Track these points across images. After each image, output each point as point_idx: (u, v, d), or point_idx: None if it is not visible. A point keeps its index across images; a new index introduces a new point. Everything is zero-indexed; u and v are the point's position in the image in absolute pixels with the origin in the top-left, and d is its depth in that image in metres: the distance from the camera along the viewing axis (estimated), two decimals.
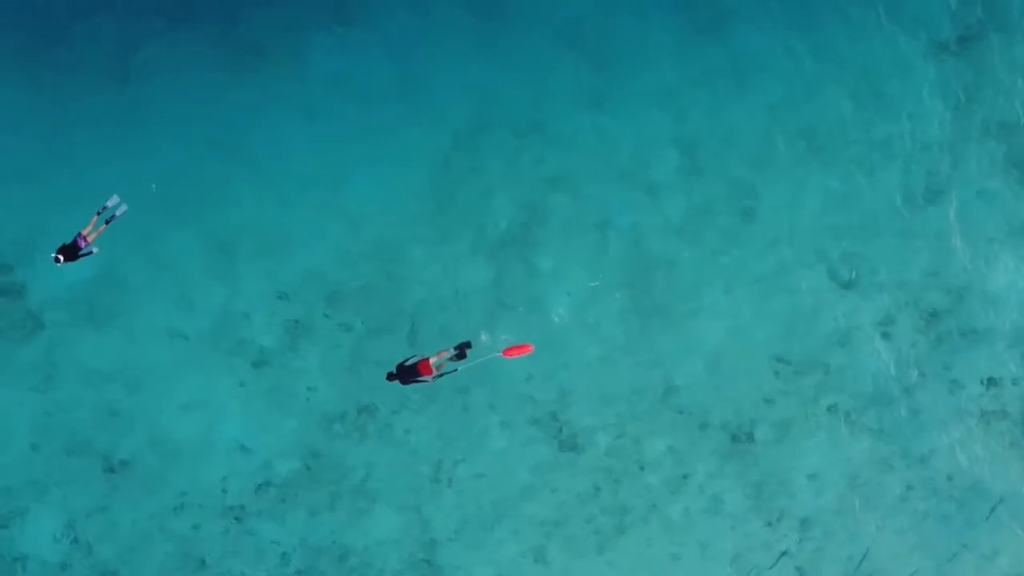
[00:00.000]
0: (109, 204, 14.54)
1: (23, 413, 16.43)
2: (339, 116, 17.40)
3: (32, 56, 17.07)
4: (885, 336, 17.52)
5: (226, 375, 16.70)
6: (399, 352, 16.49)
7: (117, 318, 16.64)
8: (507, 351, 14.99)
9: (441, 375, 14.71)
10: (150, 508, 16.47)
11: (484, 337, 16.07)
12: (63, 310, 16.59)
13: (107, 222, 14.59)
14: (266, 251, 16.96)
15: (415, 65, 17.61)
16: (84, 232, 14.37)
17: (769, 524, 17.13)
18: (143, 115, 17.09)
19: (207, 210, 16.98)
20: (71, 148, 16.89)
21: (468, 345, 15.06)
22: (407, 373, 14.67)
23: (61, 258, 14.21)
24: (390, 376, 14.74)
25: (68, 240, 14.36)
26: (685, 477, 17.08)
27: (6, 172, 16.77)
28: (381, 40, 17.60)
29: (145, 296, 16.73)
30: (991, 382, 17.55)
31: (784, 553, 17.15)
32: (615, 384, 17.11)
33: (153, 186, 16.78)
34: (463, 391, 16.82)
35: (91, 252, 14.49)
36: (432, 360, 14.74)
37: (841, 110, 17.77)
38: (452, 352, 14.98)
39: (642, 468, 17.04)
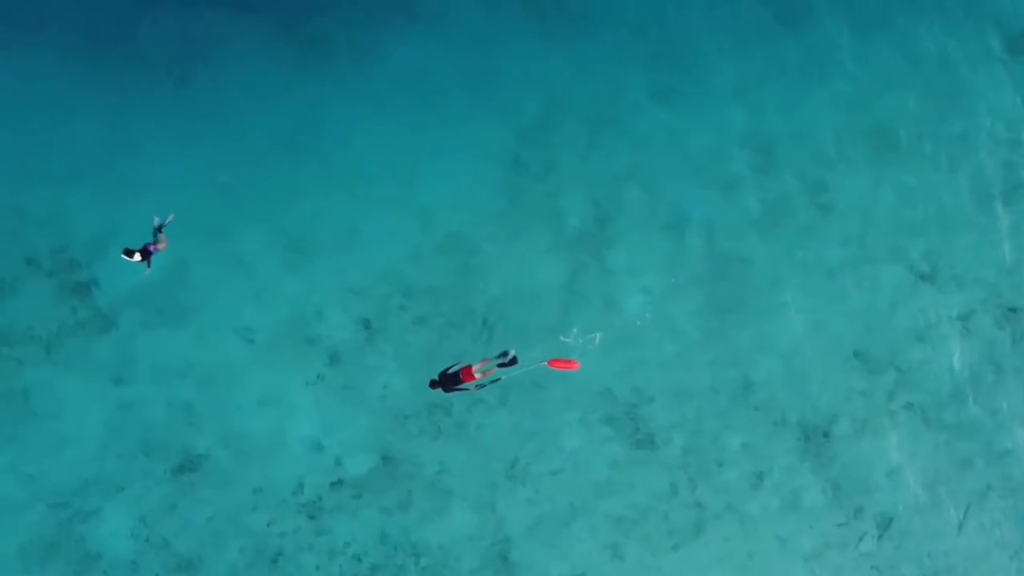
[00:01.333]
0: (155, 224, 15.25)
1: (97, 410, 16.34)
2: (409, 111, 17.37)
3: (99, 52, 17.04)
4: (964, 332, 17.37)
5: (299, 372, 16.60)
6: (472, 349, 16.46)
7: (190, 315, 16.58)
8: (552, 362, 14.81)
9: (484, 384, 14.57)
10: (224, 505, 16.36)
11: (570, 336, 15.83)
12: (136, 307, 16.52)
13: (160, 230, 15.31)
14: (338, 247, 16.90)
15: (485, 60, 17.57)
16: (154, 243, 15.20)
17: (847, 522, 16.98)
18: (212, 111, 17.10)
19: (278, 206, 16.94)
20: (139, 145, 16.90)
21: (505, 354, 14.75)
22: (449, 381, 14.48)
23: (138, 255, 14.67)
24: (433, 384, 14.57)
25: (137, 245, 14.88)
26: (762, 474, 16.95)
27: (76, 170, 16.75)
28: (451, 35, 17.55)
29: (217, 293, 16.68)
30: None
31: (863, 551, 17.00)
32: (692, 381, 16.98)
33: (223, 178, 16.76)
34: (538, 388, 16.71)
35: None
36: (476, 367, 14.53)
37: (917, 105, 17.67)
38: (495, 360, 14.78)
39: (720, 465, 16.93)
